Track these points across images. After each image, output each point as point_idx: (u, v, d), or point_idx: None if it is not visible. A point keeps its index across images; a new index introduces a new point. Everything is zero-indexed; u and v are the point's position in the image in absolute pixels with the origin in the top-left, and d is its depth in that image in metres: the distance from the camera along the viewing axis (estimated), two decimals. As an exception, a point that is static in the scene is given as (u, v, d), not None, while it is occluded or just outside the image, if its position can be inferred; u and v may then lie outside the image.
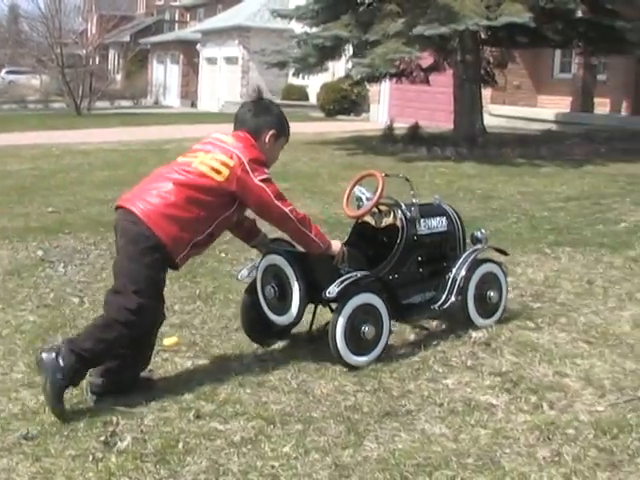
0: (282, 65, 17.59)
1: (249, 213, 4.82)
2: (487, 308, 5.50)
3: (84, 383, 4.44)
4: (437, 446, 3.83)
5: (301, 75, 18.06)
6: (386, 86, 24.35)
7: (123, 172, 13.93)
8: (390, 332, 4.97)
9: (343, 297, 4.72)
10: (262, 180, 4.48)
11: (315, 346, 5.11)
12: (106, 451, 3.78)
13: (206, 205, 4.44)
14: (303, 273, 4.78)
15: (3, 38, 52.08)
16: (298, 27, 20.18)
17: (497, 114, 20.93)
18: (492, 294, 5.50)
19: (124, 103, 43.22)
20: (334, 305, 4.89)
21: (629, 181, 12.22)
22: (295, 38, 17.56)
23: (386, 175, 5.25)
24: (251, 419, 4.11)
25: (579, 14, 16.22)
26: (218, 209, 4.51)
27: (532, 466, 3.65)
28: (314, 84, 29.38)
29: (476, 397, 4.39)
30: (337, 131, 21.30)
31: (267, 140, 4.69)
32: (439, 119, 20.86)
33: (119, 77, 52.14)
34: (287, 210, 4.57)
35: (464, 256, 5.45)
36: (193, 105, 42.88)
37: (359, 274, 4.84)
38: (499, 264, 5.69)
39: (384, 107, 25.98)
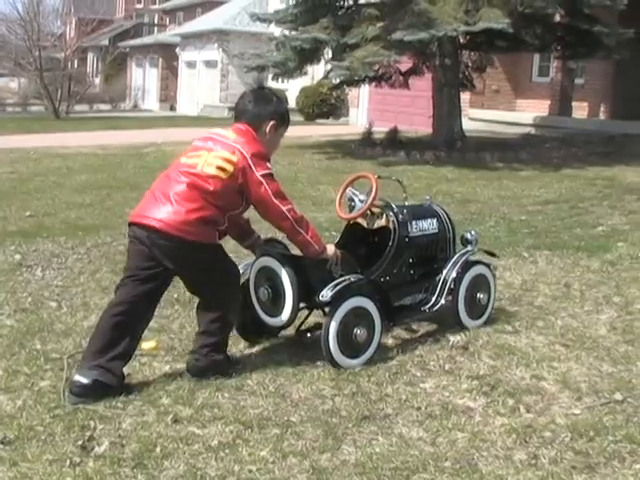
0: (261, 69, 17.56)
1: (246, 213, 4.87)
2: (476, 309, 5.54)
3: (62, 386, 4.43)
4: (415, 450, 3.84)
5: (280, 79, 18.08)
6: (365, 90, 24.38)
7: (102, 176, 13.89)
8: (382, 334, 4.99)
9: (336, 301, 4.74)
10: (263, 175, 4.56)
11: (293, 350, 5.12)
12: (84, 455, 3.77)
13: (220, 205, 4.52)
14: (296, 276, 4.79)
15: (-20, 41, 51.75)
16: (278, 31, 20.16)
17: (476, 118, 20.99)
18: (481, 296, 5.53)
19: (103, 107, 43.12)
20: (327, 308, 4.90)
21: (606, 185, 12.30)
22: (274, 40, 17.55)
23: (379, 177, 5.27)
24: (229, 423, 4.11)
25: (557, 19, 16.36)
26: (229, 206, 4.59)
27: (509, 469, 3.67)
28: (293, 88, 29.36)
29: (454, 401, 4.41)
30: (316, 135, 21.29)
31: (268, 130, 4.75)
32: (418, 123, 20.87)
33: (98, 81, 51.87)
34: (284, 209, 4.64)
35: (455, 258, 5.48)
36: (172, 109, 42.77)
37: (352, 278, 4.86)
38: (488, 265, 5.72)
39: (363, 111, 25.99)
